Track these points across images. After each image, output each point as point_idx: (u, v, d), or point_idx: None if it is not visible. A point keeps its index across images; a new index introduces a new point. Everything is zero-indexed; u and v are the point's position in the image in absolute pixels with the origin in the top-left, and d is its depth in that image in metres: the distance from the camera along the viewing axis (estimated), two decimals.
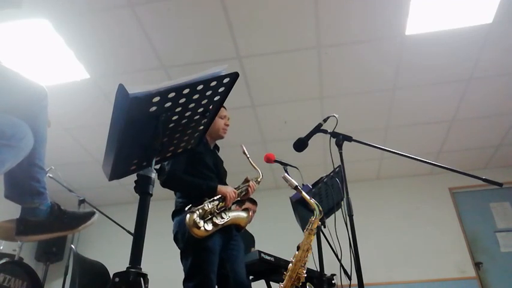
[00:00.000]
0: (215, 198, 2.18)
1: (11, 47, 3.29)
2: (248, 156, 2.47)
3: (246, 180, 2.44)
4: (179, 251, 2.28)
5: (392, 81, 3.81)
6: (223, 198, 2.21)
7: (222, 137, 2.61)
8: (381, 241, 4.88)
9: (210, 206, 2.13)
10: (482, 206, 5.02)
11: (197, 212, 2.07)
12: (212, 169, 2.43)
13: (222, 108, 2.59)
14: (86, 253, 3.68)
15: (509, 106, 4.12)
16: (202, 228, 2.05)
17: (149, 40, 3.32)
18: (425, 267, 4.67)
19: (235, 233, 2.35)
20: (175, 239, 2.29)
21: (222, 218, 2.17)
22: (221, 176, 2.48)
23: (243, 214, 2.32)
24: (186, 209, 2.08)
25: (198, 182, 2.26)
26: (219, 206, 2.18)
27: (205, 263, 2.11)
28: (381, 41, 3.39)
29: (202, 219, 2.07)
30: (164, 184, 2.25)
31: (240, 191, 2.35)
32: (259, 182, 2.49)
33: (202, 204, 2.11)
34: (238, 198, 2.36)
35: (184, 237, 2.17)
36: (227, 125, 2.62)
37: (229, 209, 2.27)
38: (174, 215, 2.34)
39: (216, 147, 2.63)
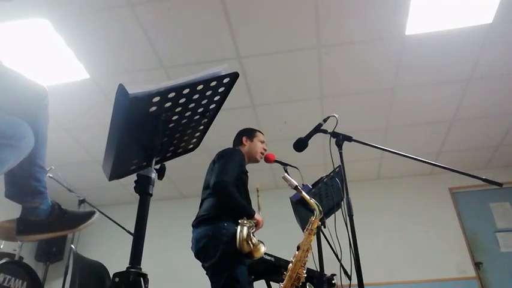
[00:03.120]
0: (252, 221, 2.24)
1: (11, 47, 3.29)
2: (259, 195, 2.55)
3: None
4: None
5: (392, 81, 3.81)
6: (256, 224, 2.27)
7: (257, 161, 2.72)
8: (381, 241, 4.88)
9: (252, 226, 2.20)
10: (482, 206, 5.02)
11: (247, 227, 2.14)
12: (247, 192, 2.50)
13: (262, 134, 2.78)
14: (86, 253, 3.68)
15: (509, 106, 4.12)
16: (249, 244, 2.11)
17: (149, 40, 3.32)
18: (425, 267, 4.67)
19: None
20: (205, 248, 2.21)
21: (255, 240, 2.21)
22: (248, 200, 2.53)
23: (263, 248, 2.28)
24: (240, 221, 2.15)
25: (243, 202, 2.32)
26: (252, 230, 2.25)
27: (242, 277, 2.11)
28: (381, 41, 3.39)
29: (251, 235, 2.15)
30: (214, 191, 2.29)
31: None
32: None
33: (247, 221, 2.18)
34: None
35: (219, 248, 2.14)
36: (265, 150, 2.74)
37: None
38: (204, 222, 2.28)
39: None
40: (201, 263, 2.29)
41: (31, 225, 1.43)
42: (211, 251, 2.17)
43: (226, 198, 2.28)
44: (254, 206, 2.46)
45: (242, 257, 2.15)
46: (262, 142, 2.76)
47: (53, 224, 1.45)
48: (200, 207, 2.43)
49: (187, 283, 4.51)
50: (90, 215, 1.54)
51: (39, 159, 1.41)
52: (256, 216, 2.28)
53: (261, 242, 2.26)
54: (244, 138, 2.72)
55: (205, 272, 2.26)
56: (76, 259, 3.06)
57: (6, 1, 1.38)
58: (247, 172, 2.62)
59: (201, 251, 2.22)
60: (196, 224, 2.32)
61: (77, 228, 1.50)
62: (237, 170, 2.40)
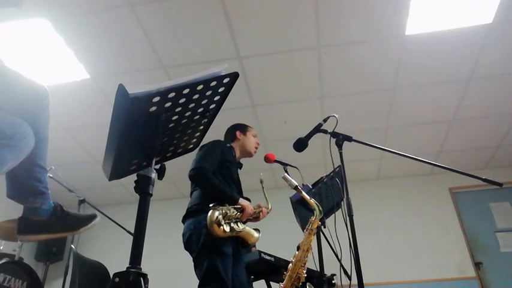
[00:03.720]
0: (236, 206, 2.22)
1: (11, 47, 3.29)
2: (263, 186, 2.51)
3: (259, 206, 2.47)
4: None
5: (392, 81, 3.81)
6: (241, 210, 2.25)
7: (251, 155, 2.72)
8: (381, 241, 4.88)
9: (230, 211, 2.17)
10: (482, 206, 5.02)
11: (220, 211, 2.11)
12: (235, 181, 2.48)
13: (254, 128, 2.78)
14: (86, 253, 3.68)
15: (509, 106, 4.12)
16: (221, 227, 2.08)
17: (149, 40, 3.32)
18: (425, 267, 4.67)
19: (240, 248, 2.34)
20: (189, 242, 2.22)
21: (238, 226, 2.20)
22: (240, 192, 2.52)
23: (256, 234, 2.29)
24: (211, 205, 2.12)
25: (223, 187, 2.29)
26: (236, 215, 2.21)
27: (222, 267, 2.09)
28: (381, 41, 3.39)
29: (223, 219, 2.12)
30: (191, 178, 2.29)
31: (253, 211, 2.38)
32: (268, 212, 2.52)
33: (224, 206, 2.16)
34: (251, 218, 2.37)
35: (200, 240, 2.14)
36: (258, 144, 2.74)
37: (243, 223, 2.29)
38: (188, 216, 2.29)
39: (240, 164, 2.68)
40: None
41: (32, 225, 1.43)
42: (193, 244, 2.18)
43: (205, 184, 2.28)
44: (261, 199, 2.46)
45: (223, 248, 2.14)
46: (255, 136, 2.76)
47: (54, 225, 1.45)
48: None
49: (187, 283, 4.50)
50: (91, 218, 1.54)
51: (40, 159, 1.41)
52: (241, 201, 2.26)
53: (257, 229, 2.28)
54: (237, 133, 2.71)
55: None
56: (76, 259, 3.06)
57: (15, 6, 1.37)
58: (239, 163, 2.63)
59: (187, 246, 2.24)
60: (183, 219, 2.33)
61: (77, 230, 1.50)
62: (217, 158, 2.39)
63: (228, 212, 2.16)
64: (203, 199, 2.27)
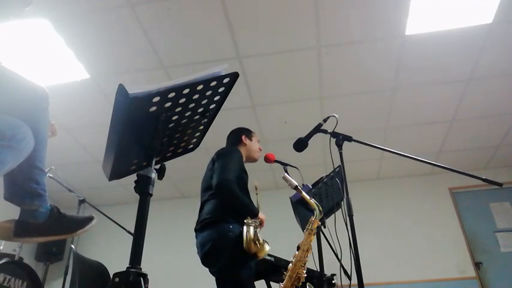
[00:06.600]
0: (256, 220, 2.21)
1: (11, 47, 3.29)
2: (257, 193, 2.48)
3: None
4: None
5: (393, 81, 3.81)
6: (259, 223, 2.24)
7: (256, 161, 2.70)
8: (381, 241, 4.88)
9: (257, 226, 2.18)
10: (482, 206, 5.02)
11: (253, 227, 2.11)
12: (248, 191, 2.46)
13: (256, 133, 2.77)
14: (86, 253, 3.68)
15: (509, 106, 4.12)
16: (257, 243, 2.08)
17: (149, 40, 3.32)
18: (425, 267, 4.67)
19: None
20: (211, 252, 2.15)
21: (261, 240, 2.17)
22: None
23: (268, 246, 2.23)
24: (246, 220, 2.12)
25: (247, 201, 2.27)
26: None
27: (249, 281, 2.09)
28: (381, 41, 3.39)
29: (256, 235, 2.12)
30: (217, 191, 2.23)
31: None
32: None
33: (251, 221, 2.15)
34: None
35: (225, 252, 2.10)
36: (260, 149, 2.73)
37: None
38: (208, 226, 2.21)
39: None
40: (208, 269, 2.24)
41: (29, 228, 1.42)
42: (217, 254, 2.12)
43: (230, 198, 2.22)
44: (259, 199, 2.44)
45: (248, 259, 2.12)
46: (258, 141, 2.76)
47: (51, 227, 1.45)
48: (201, 210, 2.36)
49: (187, 283, 4.50)
50: (88, 220, 1.53)
51: (38, 161, 1.41)
52: (260, 215, 2.25)
53: (265, 241, 2.23)
54: (243, 137, 2.67)
55: (209, 273, 2.23)
56: (76, 259, 3.06)
57: (28, 5, 1.37)
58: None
59: (207, 256, 2.17)
60: (200, 228, 2.25)
61: (75, 232, 1.49)
62: (238, 168, 2.37)
63: (257, 226, 2.17)
64: (223, 209, 2.22)
